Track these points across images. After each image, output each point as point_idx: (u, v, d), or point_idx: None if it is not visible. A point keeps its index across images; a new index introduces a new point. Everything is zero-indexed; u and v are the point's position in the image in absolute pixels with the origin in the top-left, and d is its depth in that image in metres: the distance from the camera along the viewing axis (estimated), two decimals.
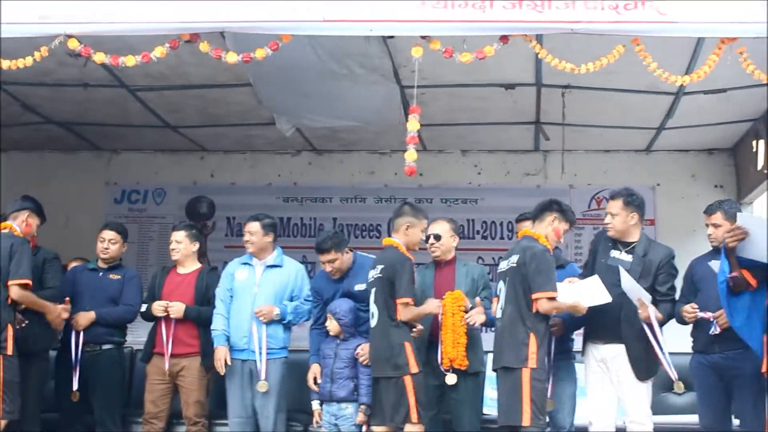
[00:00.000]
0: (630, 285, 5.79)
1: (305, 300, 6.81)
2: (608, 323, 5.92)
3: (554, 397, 6.23)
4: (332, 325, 6.46)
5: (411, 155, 5.80)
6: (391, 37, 6.34)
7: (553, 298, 5.65)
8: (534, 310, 5.66)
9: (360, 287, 6.54)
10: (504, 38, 5.75)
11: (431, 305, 6.15)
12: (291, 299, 6.81)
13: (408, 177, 5.91)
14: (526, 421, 5.48)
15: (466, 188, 9.80)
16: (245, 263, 6.92)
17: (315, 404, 6.54)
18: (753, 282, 5.09)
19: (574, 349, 6.59)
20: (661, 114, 8.40)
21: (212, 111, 8.58)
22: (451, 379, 6.25)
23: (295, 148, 9.95)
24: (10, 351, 5.97)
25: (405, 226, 6.16)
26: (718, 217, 6.04)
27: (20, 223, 6.47)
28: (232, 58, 5.77)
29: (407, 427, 5.84)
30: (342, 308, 6.47)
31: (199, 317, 6.84)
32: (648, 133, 9.10)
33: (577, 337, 6.50)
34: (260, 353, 6.54)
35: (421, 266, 6.93)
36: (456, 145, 9.77)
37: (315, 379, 6.53)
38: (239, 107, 8.43)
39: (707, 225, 6.15)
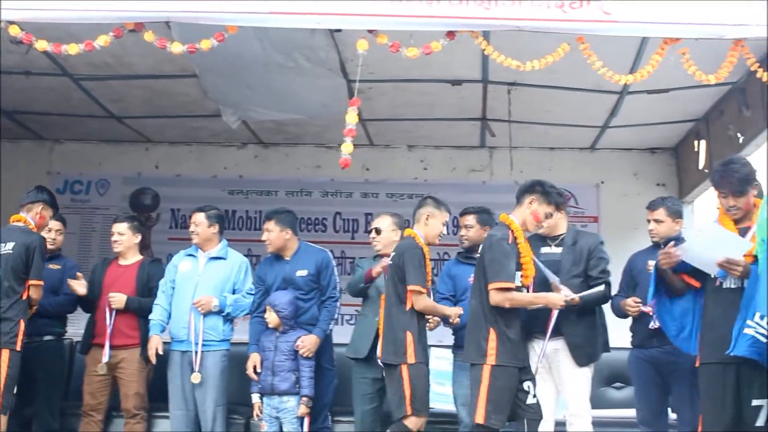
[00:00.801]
0: (544, 272, 5.79)
1: (247, 293, 6.79)
2: (547, 318, 5.95)
3: None
4: (271, 318, 6.44)
5: (348, 147, 5.78)
6: (338, 30, 6.33)
7: (505, 289, 5.43)
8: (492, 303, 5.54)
9: (301, 273, 6.59)
10: (450, 34, 5.78)
11: (451, 310, 6.12)
12: (233, 292, 6.78)
13: (354, 171, 5.92)
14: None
15: (412, 183, 9.82)
16: (190, 254, 6.90)
17: (255, 397, 6.51)
18: (696, 284, 5.15)
19: None
20: (605, 113, 8.49)
21: (157, 102, 8.50)
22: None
23: (241, 140, 9.90)
24: (18, 347, 5.96)
25: (425, 216, 6.04)
26: (660, 213, 6.13)
27: (34, 215, 6.35)
28: (177, 48, 5.72)
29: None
30: (281, 300, 6.45)
31: (141, 309, 6.78)
32: (593, 131, 9.20)
33: None
34: (196, 344, 6.52)
35: (364, 259, 6.95)
36: (402, 140, 9.78)
37: (255, 368, 6.51)
38: (185, 98, 8.36)
39: (649, 220, 6.24)
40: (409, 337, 5.71)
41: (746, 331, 4.65)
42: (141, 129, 9.54)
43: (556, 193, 5.76)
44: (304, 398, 6.33)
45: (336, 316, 6.76)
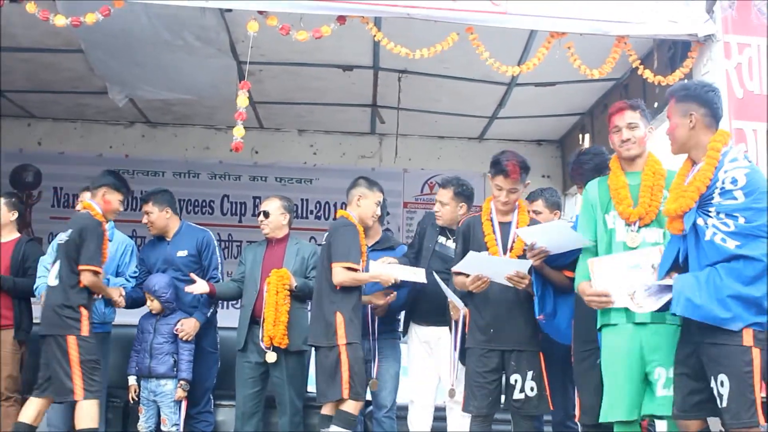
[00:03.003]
0: (446, 292, 5.76)
1: (130, 276, 6.68)
2: (434, 307, 6.01)
3: (378, 376, 6.31)
4: (154, 306, 6.40)
5: (239, 131, 5.79)
6: (229, 10, 6.26)
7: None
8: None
9: (182, 254, 6.56)
10: (341, 18, 5.81)
11: (377, 270, 5.90)
12: (117, 274, 6.66)
13: (243, 154, 5.90)
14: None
15: (301, 168, 9.82)
16: None
17: (131, 379, 6.42)
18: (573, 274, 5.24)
19: (399, 330, 6.68)
20: (493, 103, 8.62)
21: (42, 76, 8.25)
22: (270, 357, 6.25)
23: (128, 119, 9.72)
24: (84, 332, 5.77)
25: (357, 197, 6.06)
26: (539, 204, 6.24)
27: (99, 200, 6.11)
28: (60, 21, 5.59)
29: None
30: (160, 284, 6.40)
31: (15, 288, 6.59)
32: (481, 122, 9.33)
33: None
34: None
35: (253, 243, 6.91)
36: (293, 124, 9.75)
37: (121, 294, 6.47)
38: (70, 74, 8.15)
39: (529, 211, 6.35)
40: (339, 317, 5.70)
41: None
42: (24, 104, 9.26)
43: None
44: (182, 381, 6.27)
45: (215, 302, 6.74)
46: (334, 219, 6.79)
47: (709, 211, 4.04)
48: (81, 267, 5.85)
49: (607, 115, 4.84)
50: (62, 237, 6.02)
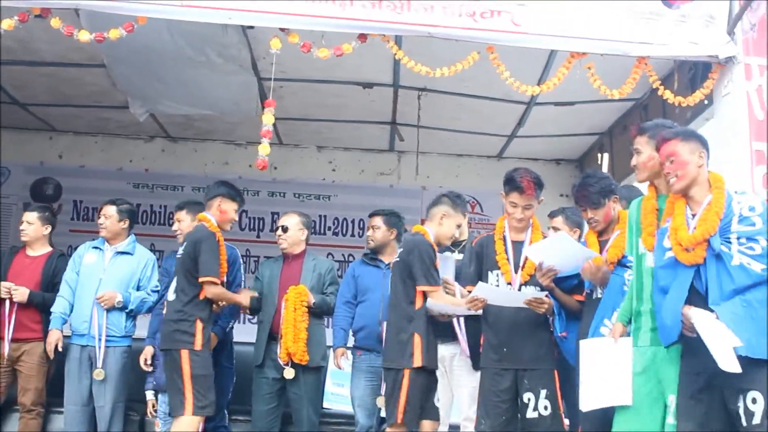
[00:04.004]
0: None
1: (152, 291, 6.69)
2: (447, 324, 5.96)
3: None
4: None
5: (264, 149, 5.82)
6: (251, 27, 6.30)
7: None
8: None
9: None
10: (362, 36, 5.84)
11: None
12: (138, 288, 6.68)
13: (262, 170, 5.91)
14: None
15: (319, 184, 9.84)
16: (96, 247, 6.77)
17: (149, 394, 6.44)
18: (583, 298, 5.25)
19: None
20: (513, 122, 8.64)
21: (64, 90, 8.33)
22: (288, 373, 6.27)
23: (149, 133, 9.78)
24: (198, 346, 5.73)
25: (440, 215, 5.63)
26: (558, 221, 6.23)
27: (214, 212, 6.10)
28: (84, 36, 5.65)
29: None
30: None
31: (44, 303, 6.61)
32: (500, 140, 9.33)
33: None
34: (99, 340, 6.41)
35: (270, 259, 6.93)
36: (312, 140, 9.78)
37: (146, 360, 6.44)
38: (92, 88, 8.22)
39: (549, 228, 6.35)
40: (417, 339, 5.31)
41: (602, 330, 4.80)
42: (45, 117, 9.34)
43: (463, 202, 5.76)
44: None
45: (237, 314, 6.72)
46: (405, 232, 6.60)
47: (729, 238, 4.09)
48: (201, 279, 5.79)
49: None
50: (179, 251, 6.02)
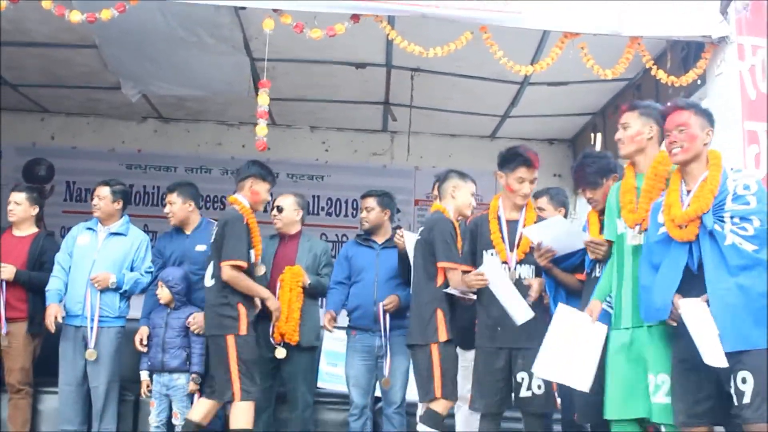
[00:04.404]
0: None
1: (146, 272, 6.68)
2: None
3: (388, 372, 6.34)
4: (163, 293, 6.35)
5: (262, 130, 5.83)
6: (243, 8, 6.28)
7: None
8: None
9: (201, 248, 6.50)
10: (355, 17, 5.83)
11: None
12: (131, 269, 6.68)
13: (255, 150, 5.91)
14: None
15: (313, 164, 9.85)
16: (89, 228, 6.75)
17: (143, 374, 6.44)
18: (583, 277, 5.26)
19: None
20: (506, 102, 8.64)
21: (55, 71, 8.30)
22: (280, 352, 6.29)
23: (141, 114, 9.76)
24: (242, 331, 5.68)
25: (452, 188, 5.75)
26: (543, 202, 6.24)
27: (246, 193, 6.04)
28: (75, 17, 5.62)
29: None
30: (174, 276, 6.38)
31: (30, 282, 6.61)
32: (493, 120, 9.34)
33: None
34: (92, 321, 6.41)
35: (264, 238, 6.93)
36: (305, 120, 9.78)
37: (141, 341, 6.42)
38: (84, 69, 8.19)
39: (534, 209, 6.36)
40: (440, 314, 5.43)
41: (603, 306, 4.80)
42: (37, 98, 9.32)
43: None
44: (194, 375, 6.28)
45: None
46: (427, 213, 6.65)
47: (723, 217, 4.09)
48: (222, 263, 5.73)
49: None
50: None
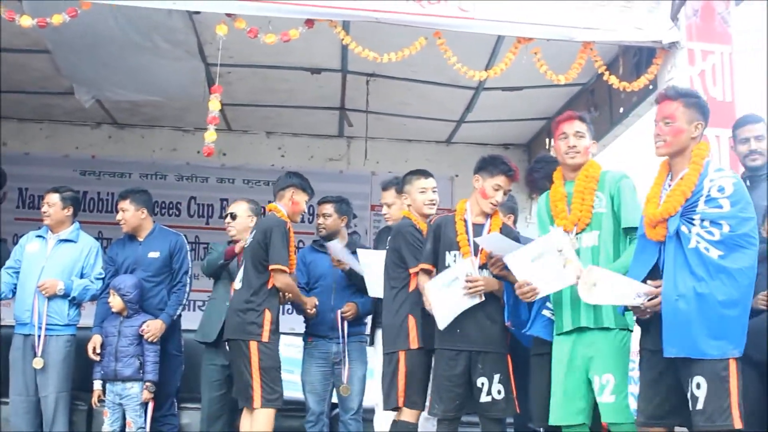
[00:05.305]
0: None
1: (96, 278, 6.63)
2: None
3: (346, 379, 6.33)
4: (115, 302, 6.31)
5: (211, 136, 5.79)
6: (197, 12, 6.25)
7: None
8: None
9: (153, 255, 6.48)
10: (309, 22, 5.84)
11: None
12: (81, 276, 6.62)
13: (211, 156, 5.87)
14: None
15: (269, 170, 9.77)
16: (39, 236, 6.71)
17: (96, 384, 6.38)
18: None
19: (365, 333, 6.71)
20: (461, 107, 8.67)
21: (7, 76, 8.16)
22: None
23: (95, 120, 9.64)
24: (266, 338, 5.62)
25: (405, 195, 5.79)
26: None
27: (286, 202, 5.97)
28: (26, 21, 5.57)
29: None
30: (126, 284, 6.33)
31: None
32: (449, 126, 9.37)
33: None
34: (39, 328, 6.34)
35: (218, 243, 6.90)
36: (261, 126, 9.73)
37: (94, 349, 6.35)
38: (37, 74, 8.09)
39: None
40: (411, 321, 5.37)
41: (544, 312, 4.81)
42: None
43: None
44: (148, 383, 6.23)
45: (185, 301, 6.68)
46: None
47: (693, 219, 3.99)
48: (271, 267, 5.68)
49: (553, 123, 4.87)
50: (247, 240, 5.93)
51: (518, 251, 4.64)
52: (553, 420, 4.56)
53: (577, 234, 4.55)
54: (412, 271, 5.41)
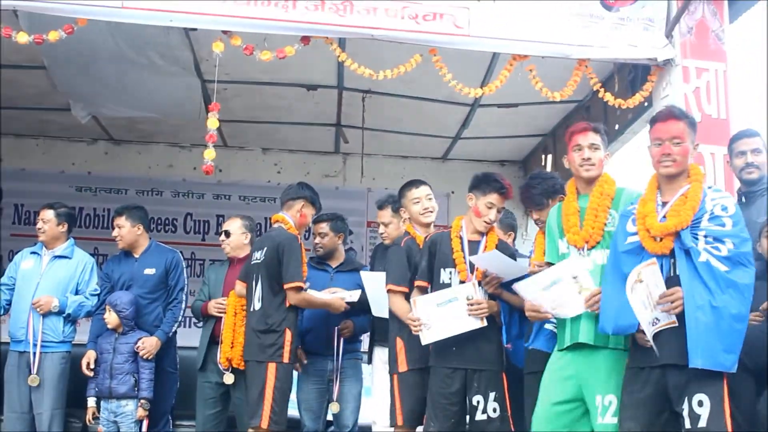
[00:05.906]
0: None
1: (90, 294, 6.61)
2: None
3: (339, 396, 6.32)
4: (111, 318, 6.28)
5: (210, 154, 5.80)
6: (194, 29, 6.27)
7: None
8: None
9: (149, 272, 6.48)
10: (305, 39, 5.85)
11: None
12: (76, 292, 6.60)
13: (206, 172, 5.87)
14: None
15: (265, 186, 9.79)
16: (34, 252, 6.69)
17: (90, 401, 6.34)
18: None
19: (361, 350, 6.70)
20: (457, 124, 8.70)
21: (4, 92, 8.16)
22: (228, 378, 6.19)
23: (91, 136, 9.66)
24: (286, 359, 5.59)
25: (402, 211, 5.90)
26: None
27: (294, 214, 5.92)
28: (22, 38, 5.58)
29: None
30: (122, 300, 6.31)
31: None
32: (444, 142, 9.40)
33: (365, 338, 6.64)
34: (35, 345, 6.31)
35: (216, 263, 6.90)
36: (257, 142, 9.75)
37: (89, 364, 6.32)
38: (33, 90, 8.11)
39: None
40: (399, 343, 5.40)
41: (546, 326, 4.83)
42: None
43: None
44: (143, 401, 6.20)
45: (180, 318, 6.66)
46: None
47: (697, 235, 3.99)
48: (287, 286, 5.66)
49: (567, 133, 4.76)
50: (256, 256, 5.86)
51: (530, 279, 4.58)
52: (536, 427, 4.46)
53: (588, 250, 4.51)
54: (390, 287, 5.42)
